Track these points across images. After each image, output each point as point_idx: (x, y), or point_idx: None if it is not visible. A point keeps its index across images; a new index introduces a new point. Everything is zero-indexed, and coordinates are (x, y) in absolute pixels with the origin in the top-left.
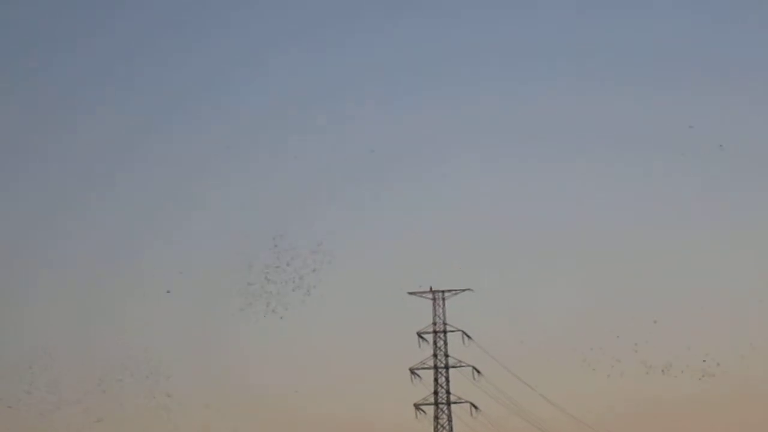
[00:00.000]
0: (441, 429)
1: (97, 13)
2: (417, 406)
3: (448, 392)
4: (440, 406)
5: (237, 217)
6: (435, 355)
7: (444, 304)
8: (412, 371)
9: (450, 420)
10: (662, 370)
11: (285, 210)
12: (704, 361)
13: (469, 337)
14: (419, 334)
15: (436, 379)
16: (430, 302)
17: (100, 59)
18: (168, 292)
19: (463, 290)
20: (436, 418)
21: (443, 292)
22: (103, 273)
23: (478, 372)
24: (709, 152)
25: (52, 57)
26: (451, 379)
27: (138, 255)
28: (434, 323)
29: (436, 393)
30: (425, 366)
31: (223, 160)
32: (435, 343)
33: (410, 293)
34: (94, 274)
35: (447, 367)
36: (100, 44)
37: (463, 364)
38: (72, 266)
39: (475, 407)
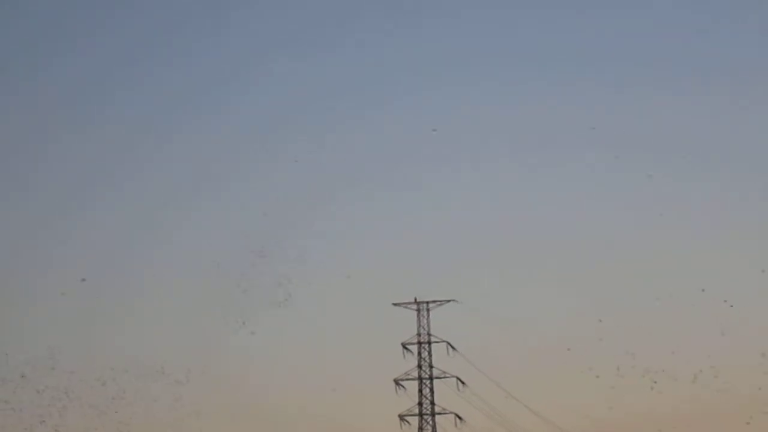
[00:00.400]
0: None
1: (99, 20)
2: (402, 417)
3: (432, 403)
4: (425, 417)
5: (224, 224)
6: (419, 366)
7: (428, 315)
8: (397, 382)
9: (434, 431)
10: (653, 381)
11: (269, 219)
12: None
13: (453, 348)
14: (404, 345)
15: (420, 390)
16: (415, 313)
17: (100, 66)
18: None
19: (448, 301)
20: (421, 429)
21: (427, 302)
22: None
23: (463, 383)
24: (709, 156)
25: (54, 60)
26: (435, 390)
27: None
28: (419, 334)
29: (420, 404)
30: (410, 377)
31: (215, 166)
32: (419, 354)
33: (395, 304)
34: (94, 278)
35: (431, 378)
36: (100, 51)
37: (447, 375)
38: (72, 268)
39: (460, 418)
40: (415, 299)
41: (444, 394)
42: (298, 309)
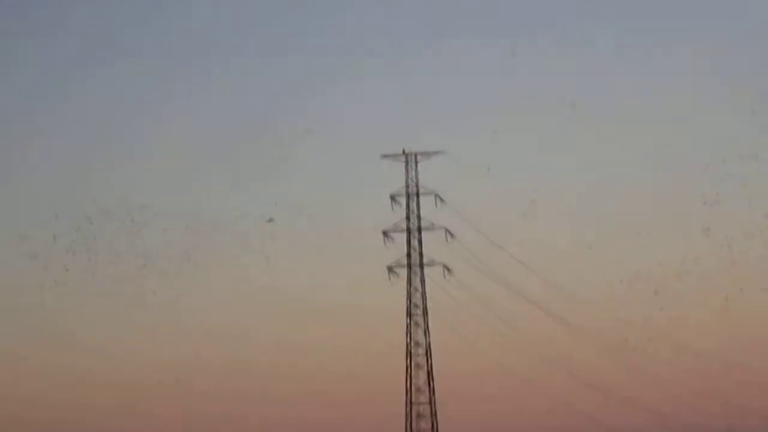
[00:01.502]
0: (414, 291)
1: None
2: (390, 269)
3: (420, 255)
4: (413, 268)
5: (226, 94)
6: (408, 218)
7: (416, 167)
8: (385, 234)
9: (423, 282)
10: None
11: (270, 86)
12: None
13: (441, 199)
14: (392, 197)
15: (408, 242)
16: (403, 165)
17: None
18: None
19: (436, 153)
20: (409, 280)
21: (416, 154)
22: None
23: (451, 234)
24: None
25: None
26: (423, 241)
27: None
28: (407, 186)
29: (408, 255)
30: (398, 229)
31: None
32: (408, 205)
33: (383, 156)
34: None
35: (419, 230)
36: None
37: (435, 227)
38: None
39: (448, 269)
40: (403, 151)
41: (432, 245)
42: (285, 162)
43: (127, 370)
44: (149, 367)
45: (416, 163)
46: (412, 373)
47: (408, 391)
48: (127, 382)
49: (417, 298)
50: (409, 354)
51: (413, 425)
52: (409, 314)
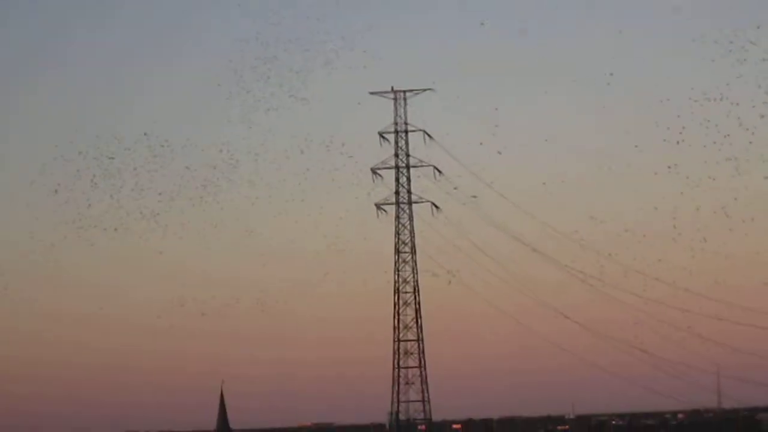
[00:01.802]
0: (402, 228)
1: None
2: (378, 206)
3: (409, 192)
4: (401, 205)
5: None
6: (396, 155)
7: (405, 104)
8: (374, 171)
9: (411, 219)
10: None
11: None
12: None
13: (430, 136)
14: (381, 134)
15: (397, 179)
16: (392, 102)
17: None
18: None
19: (425, 90)
20: (398, 217)
21: (404, 91)
22: None
23: (440, 172)
24: None
25: None
26: (412, 178)
27: None
28: (395, 123)
29: (397, 193)
30: (387, 166)
31: None
32: (396, 142)
33: (372, 93)
34: None
35: (408, 167)
36: None
37: (424, 164)
38: None
39: (436, 207)
40: (392, 88)
41: (420, 183)
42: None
43: (145, 310)
44: (168, 306)
45: (405, 100)
46: (400, 311)
47: (396, 328)
48: (144, 320)
49: (405, 236)
50: (397, 291)
51: (401, 362)
52: (397, 251)
